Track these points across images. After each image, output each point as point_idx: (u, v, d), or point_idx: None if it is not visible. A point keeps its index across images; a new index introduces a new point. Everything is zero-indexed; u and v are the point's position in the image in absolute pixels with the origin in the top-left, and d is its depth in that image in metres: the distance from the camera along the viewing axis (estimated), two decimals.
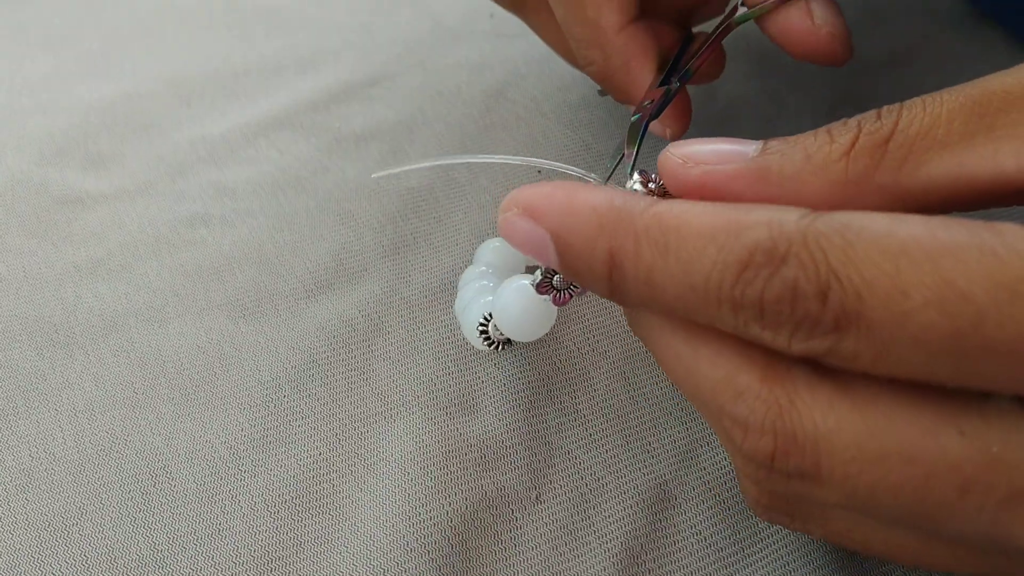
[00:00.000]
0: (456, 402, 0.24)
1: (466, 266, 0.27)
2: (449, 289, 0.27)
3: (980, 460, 0.14)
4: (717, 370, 0.16)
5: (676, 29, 0.26)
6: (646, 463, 0.23)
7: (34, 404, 0.24)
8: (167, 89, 0.33)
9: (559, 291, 0.21)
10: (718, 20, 0.25)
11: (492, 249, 0.25)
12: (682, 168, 0.17)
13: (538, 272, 0.20)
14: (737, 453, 0.16)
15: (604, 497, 0.22)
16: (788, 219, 0.15)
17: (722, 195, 0.17)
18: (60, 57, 0.35)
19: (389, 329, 0.26)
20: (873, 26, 0.34)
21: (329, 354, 0.25)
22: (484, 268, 0.24)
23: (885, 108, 0.17)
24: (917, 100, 0.16)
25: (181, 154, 0.31)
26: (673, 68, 0.25)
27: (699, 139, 0.18)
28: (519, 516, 0.22)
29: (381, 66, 0.33)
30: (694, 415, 0.24)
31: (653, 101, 0.24)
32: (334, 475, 0.23)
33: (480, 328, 0.22)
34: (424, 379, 0.25)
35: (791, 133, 0.30)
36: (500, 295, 0.22)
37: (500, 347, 0.23)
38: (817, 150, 0.17)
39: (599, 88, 0.28)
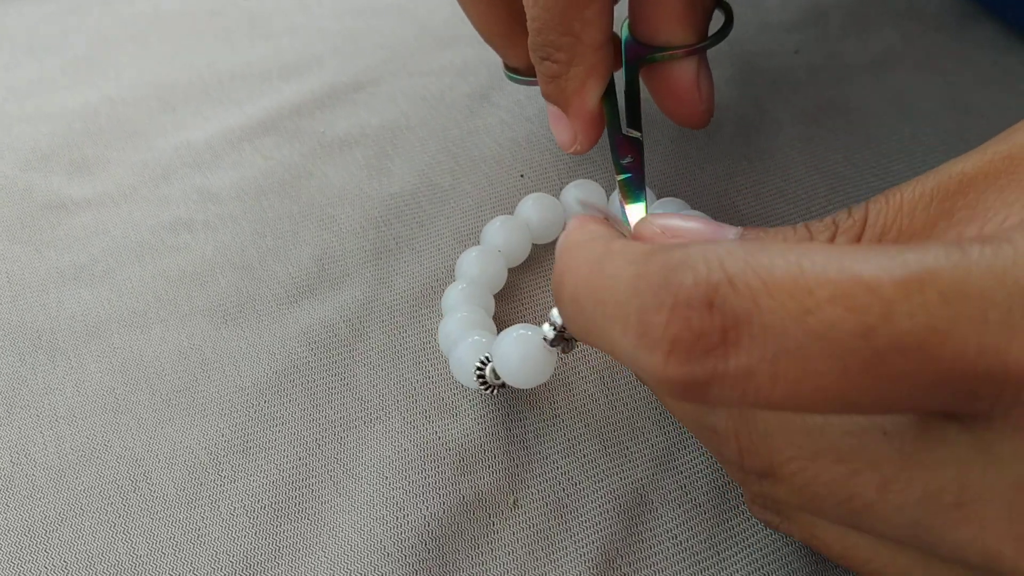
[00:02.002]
0: (436, 407, 0.24)
1: (448, 275, 0.27)
2: (431, 295, 0.27)
3: (899, 461, 0.14)
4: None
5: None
6: (623, 468, 0.23)
7: (15, 409, 0.24)
8: (152, 95, 0.33)
9: (568, 341, 0.20)
10: (625, 53, 0.26)
11: (471, 261, 0.25)
12: (660, 239, 0.17)
13: (547, 326, 0.20)
14: (719, 460, 0.17)
15: (581, 502, 0.22)
16: (697, 239, 0.15)
17: None
18: (45, 64, 0.35)
19: (370, 334, 0.26)
20: (856, 30, 0.35)
21: (310, 359, 0.25)
22: (463, 286, 0.25)
23: (853, 206, 0.17)
24: (880, 195, 0.16)
25: (165, 160, 0.31)
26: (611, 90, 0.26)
27: (680, 214, 0.18)
28: (496, 520, 0.22)
29: (365, 71, 0.33)
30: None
31: (633, 158, 0.25)
32: (313, 480, 0.23)
33: (477, 372, 0.22)
34: (404, 384, 0.25)
35: (774, 140, 0.30)
36: (501, 343, 0.22)
37: (495, 391, 0.23)
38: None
39: (508, 68, 0.28)
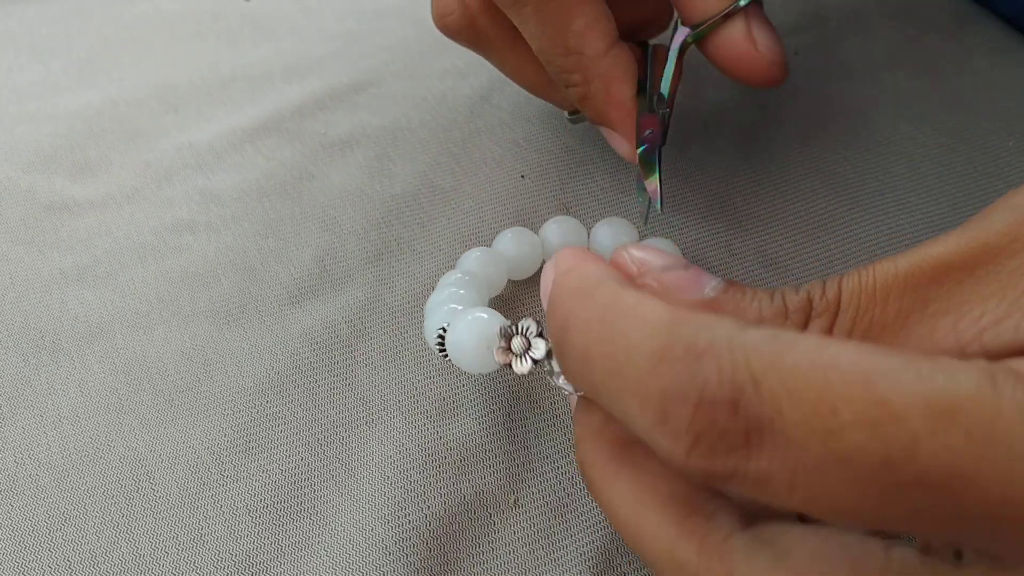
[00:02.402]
0: (437, 407, 0.24)
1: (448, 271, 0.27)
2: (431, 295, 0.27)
3: None
4: (659, 541, 0.15)
5: (635, 46, 0.27)
6: None
7: (19, 410, 0.25)
8: (154, 96, 0.33)
9: (518, 356, 0.20)
10: (674, 38, 0.25)
11: (474, 259, 0.26)
12: (635, 274, 0.17)
13: (499, 331, 0.20)
14: None
15: (582, 501, 0.22)
16: (723, 322, 0.14)
17: None
18: (48, 66, 0.35)
19: (372, 335, 0.26)
20: (855, 32, 0.35)
21: (312, 360, 0.25)
22: (460, 275, 0.25)
23: (828, 280, 0.16)
24: (853, 273, 0.16)
25: (167, 161, 0.31)
26: (643, 86, 0.25)
27: (660, 252, 0.17)
28: (497, 520, 0.22)
29: (367, 72, 0.34)
30: None
31: (653, 130, 0.25)
32: (315, 480, 0.23)
33: (438, 339, 0.22)
34: (406, 384, 0.25)
35: (775, 140, 0.31)
36: (457, 321, 0.21)
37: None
38: (770, 319, 0.16)
39: (570, 114, 0.29)
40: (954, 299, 0.15)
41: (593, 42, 0.23)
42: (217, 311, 0.27)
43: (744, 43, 0.23)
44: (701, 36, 0.24)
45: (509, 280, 0.26)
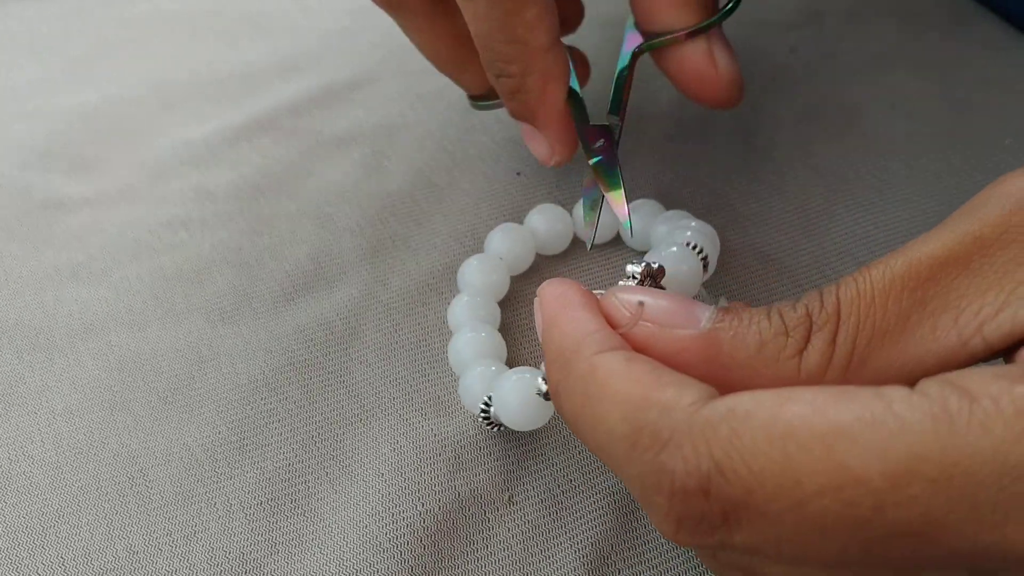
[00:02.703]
0: (432, 404, 0.24)
1: (445, 273, 0.27)
2: (428, 293, 0.27)
3: None
4: (622, 407, 0.15)
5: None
6: None
7: (13, 407, 0.25)
8: (151, 94, 0.33)
9: None
10: (625, 43, 0.25)
11: (472, 270, 0.26)
12: (627, 320, 0.17)
13: (541, 380, 0.20)
14: None
15: (576, 499, 0.22)
16: (681, 403, 0.14)
17: (669, 364, 0.16)
18: (46, 64, 0.35)
19: (366, 332, 0.26)
20: (853, 29, 0.35)
21: (307, 357, 0.25)
22: (468, 299, 0.25)
23: (825, 290, 0.16)
24: (850, 279, 0.16)
25: (163, 158, 0.31)
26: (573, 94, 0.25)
27: (648, 289, 0.17)
28: (491, 517, 0.22)
29: (363, 70, 0.34)
30: None
31: (604, 142, 0.24)
32: (309, 476, 0.23)
33: (483, 412, 0.22)
34: (400, 382, 0.25)
35: (770, 138, 0.30)
36: (501, 385, 0.22)
37: (499, 428, 0.23)
38: (772, 340, 0.16)
39: (473, 98, 0.28)
40: (952, 295, 0.15)
41: (540, 35, 0.23)
42: (211, 308, 0.27)
43: (705, 63, 0.24)
44: (656, 47, 0.24)
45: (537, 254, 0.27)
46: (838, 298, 0.16)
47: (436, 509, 0.22)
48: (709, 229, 0.25)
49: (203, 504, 0.23)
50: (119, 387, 0.25)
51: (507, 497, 0.22)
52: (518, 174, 0.30)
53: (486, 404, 0.22)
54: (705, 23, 0.23)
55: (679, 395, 0.14)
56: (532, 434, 0.24)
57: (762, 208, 0.29)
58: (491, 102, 0.27)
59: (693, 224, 0.25)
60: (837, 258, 0.27)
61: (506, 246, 0.26)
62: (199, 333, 0.26)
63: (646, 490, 0.14)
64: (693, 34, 0.23)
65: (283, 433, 0.24)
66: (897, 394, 0.13)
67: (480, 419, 0.22)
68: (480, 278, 0.25)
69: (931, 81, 0.33)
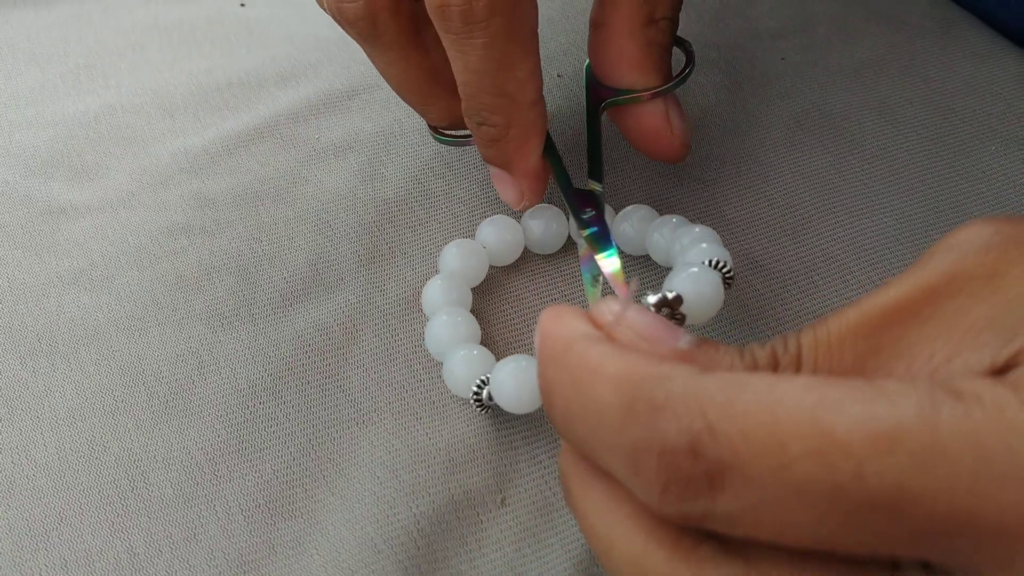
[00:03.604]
0: (426, 408, 0.25)
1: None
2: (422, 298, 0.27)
3: None
4: (628, 549, 0.16)
5: None
6: None
7: (16, 412, 0.25)
8: (151, 102, 0.34)
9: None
10: (590, 100, 0.26)
11: (453, 254, 0.27)
12: (610, 320, 0.17)
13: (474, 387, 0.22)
14: None
15: None
16: (678, 373, 0.15)
17: None
18: (46, 72, 0.35)
19: (363, 337, 0.26)
20: (841, 37, 0.35)
21: (304, 362, 0.26)
22: (441, 282, 0.26)
23: (788, 335, 0.17)
24: (809, 328, 0.17)
25: (163, 166, 0.31)
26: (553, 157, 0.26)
27: (635, 305, 0.18)
28: (485, 519, 0.23)
29: (360, 78, 0.34)
30: None
31: (592, 210, 0.25)
32: (307, 479, 0.24)
33: (475, 394, 0.23)
34: (396, 386, 0.25)
35: (762, 145, 0.31)
36: (499, 372, 0.22)
37: (488, 411, 0.23)
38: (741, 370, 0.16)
39: (436, 130, 0.28)
40: (904, 342, 0.15)
41: (529, 91, 0.23)
42: (211, 314, 0.27)
43: (662, 124, 0.25)
44: (620, 104, 0.25)
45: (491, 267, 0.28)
46: (799, 343, 0.16)
47: (430, 511, 0.23)
48: (715, 235, 0.26)
49: (203, 507, 0.23)
50: (120, 392, 0.25)
51: (500, 499, 0.23)
52: None
53: (478, 387, 0.23)
54: (666, 86, 0.25)
55: (675, 368, 0.15)
56: (524, 437, 0.24)
57: (750, 214, 0.29)
58: (454, 138, 0.28)
59: (696, 230, 0.26)
60: (824, 264, 0.28)
61: (494, 237, 0.27)
62: (199, 338, 0.26)
63: (636, 455, 0.14)
64: (654, 95, 0.25)
65: (281, 437, 0.24)
66: (888, 382, 0.14)
67: (472, 402, 0.23)
68: (458, 261, 0.26)
69: (918, 88, 0.33)
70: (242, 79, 0.35)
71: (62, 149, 0.32)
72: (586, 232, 0.25)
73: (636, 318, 0.17)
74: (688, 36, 0.35)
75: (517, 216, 0.28)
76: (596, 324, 0.17)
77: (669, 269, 0.27)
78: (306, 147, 0.32)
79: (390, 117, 0.33)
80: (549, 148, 0.26)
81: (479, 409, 0.23)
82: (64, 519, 0.23)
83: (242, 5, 0.38)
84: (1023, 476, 0.12)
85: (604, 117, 0.27)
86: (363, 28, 0.24)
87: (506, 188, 0.26)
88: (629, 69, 0.25)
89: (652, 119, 0.25)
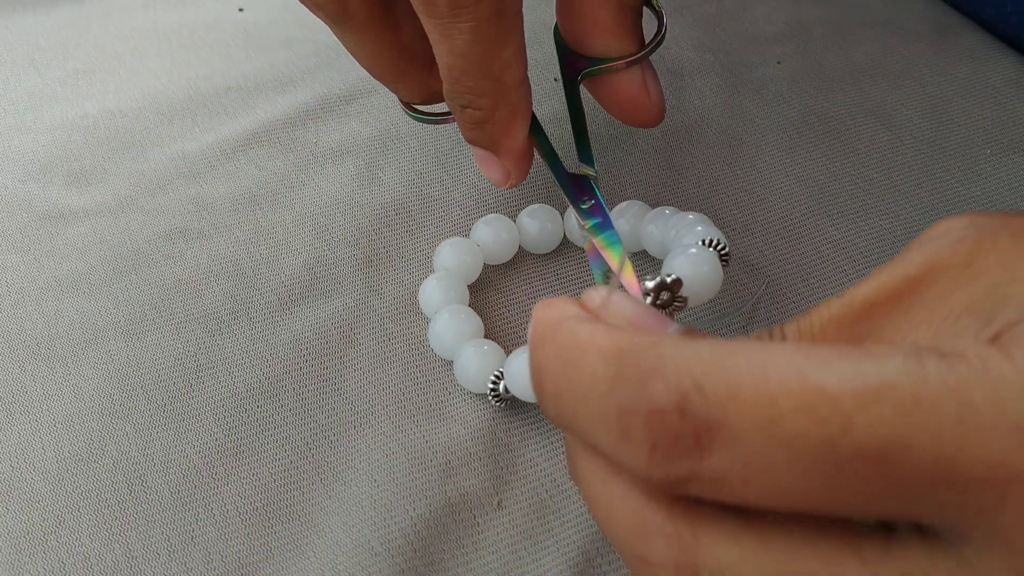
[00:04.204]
0: (423, 412, 0.25)
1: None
2: (419, 302, 0.27)
3: None
4: (628, 507, 0.16)
5: None
6: None
7: (15, 415, 0.25)
8: (149, 107, 0.34)
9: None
10: (566, 72, 0.25)
11: (448, 252, 0.27)
12: (599, 306, 0.17)
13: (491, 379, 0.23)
14: None
15: (563, 503, 0.23)
16: (668, 340, 0.15)
17: None
18: (45, 77, 0.36)
19: (360, 341, 0.26)
20: (837, 41, 0.35)
21: (302, 365, 0.26)
22: (438, 279, 0.26)
23: (773, 327, 0.17)
24: (793, 320, 0.17)
25: (161, 170, 0.32)
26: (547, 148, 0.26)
27: (623, 292, 0.18)
28: (481, 521, 0.23)
29: (357, 83, 0.34)
30: None
31: (592, 200, 0.25)
32: (304, 483, 0.24)
33: (492, 387, 0.24)
34: (393, 389, 0.25)
35: (757, 149, 0.31)
36: (514, 362, 0.23)
37: (505, 403, 0.24)
38: None
39: (409, 106, 0.27)
40: (886, 331, 0.16)
41: (515, 72, 0.23)
42: (209, 318, 0.27)
43: (639, 91, 0.25)
44: (596, 73, 0.25)
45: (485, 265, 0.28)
46: (784, 334, 0.16)
47: (427, 514, 0.23)
48: (708, 219, 0.26)
49: (200, 510, 0.23)
50: (119, 395, 0.25)
51: (496, 502, 0.23)
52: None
53: (494, 380, 0.23)
54: (642, 53, 0.25)
55: (665, 337, 0.15)
56: (520, 440, 0.24)
57: (746, 217, 0.29)
58: (429, 116, 0.27)
59: (690, 217, 0.26)
60: (820, 267, 0.28)
61: (491, 236, 0.27)
62: (197, 342, 0.27)
63: (624, 419, 0.14)
64: (630, 63, 0.25)
65: (279, 440, 0.24)
66: (875, 345, 0.14)
67: (489, 395, 0.24)
68: (453, 259, 0.27)
69: (913, 92, 0.33)
70: (240, 84, 0.35)
71: (60, 154, 0.32)
72: (589, 224, 0.24)
73: (625, 304, 0.17)
74: (685, 40, 0.35)
75: (512, 215, 0.29)
76: (586, 309, 0.17)
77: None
78: (304, 151, 0.32)
79: (387, 121, 0.33)
80: (535, 127, 0.25)
81: (496, 402, 0.24)
82: (62, 522, 0.23)
83: (240, 10, 0.39)
84: (1007, 426, 0.13)
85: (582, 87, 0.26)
86: (332, 11, 0.23)
87: (491, 169, 0.26)
88: (604, 36, 0.24)
89: (630, 87, 0.25)
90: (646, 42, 0.25)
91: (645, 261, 0.28)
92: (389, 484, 0.23)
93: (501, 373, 0.24)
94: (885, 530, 0.14)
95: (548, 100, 0.31)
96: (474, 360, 0.24)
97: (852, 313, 0.16)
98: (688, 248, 0.23)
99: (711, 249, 0.24)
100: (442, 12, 0.21)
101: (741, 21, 0.36)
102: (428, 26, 0.22)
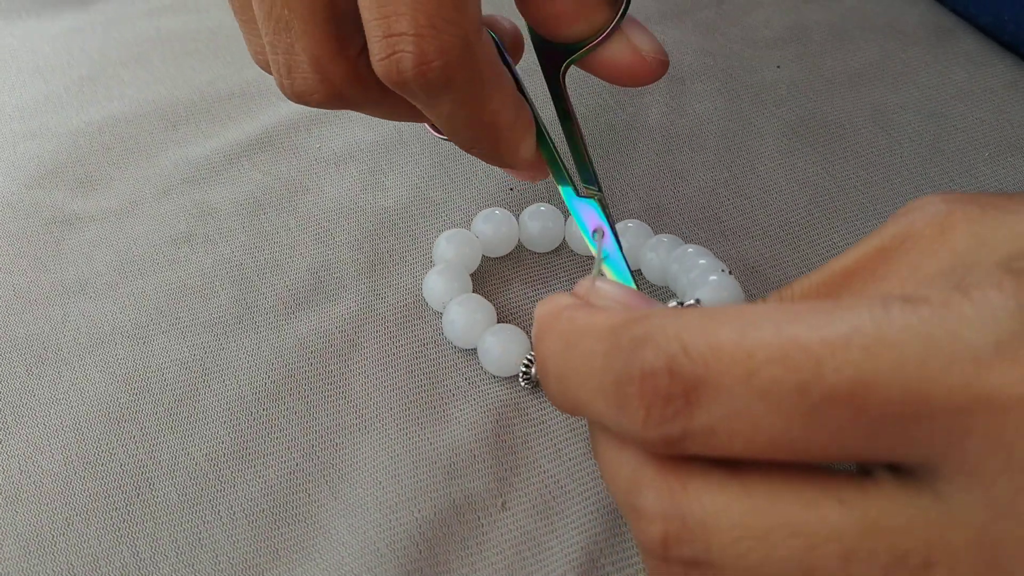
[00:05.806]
0: (428, 414, 0.25)
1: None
2: (424, 306, 0.28)
3: (860, 528, 0.14)
4: (627, 467, 0.16)
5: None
6: None
7: (23, 419, 0.25)
8: (153, 113, 0.34)
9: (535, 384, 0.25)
10: (545, 66, 0.25)
11: (445, 245, 0.28)
12: (589, 294, 0.19)
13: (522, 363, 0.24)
14: (640, 548, 0.16)
15: (566, 504, 0.23)
16: (659, 311, 0.16)
17: None
18: (50, 83, 0.36)
19: (364, 344, 0.27)
20: (836, 46, 0.36)
21: (307, 369, 0.26)
22: (440, 271, 0.27)
23: (759, 299, 0.18)
24: (776, 292, 0.18)
25: (166, 176, 0.32)
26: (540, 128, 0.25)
27: (606, 279, 0.19)
28: (485, 523, 0.23)
29: None
30: None
31: (599, 227, 0.25)
32: (310, 485, 0.24)
33: (524, 371, 0.25)
34: (397, 392, 0.26)
35: (757, 152, 0.31)
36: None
37: (536, 385, 0.25)
38: None
39: (436, 130, 0.27)
40: (864, 295, 0.16)
41: (507, 113, 0.23)
42: (214, 322, 0.27)
43: (631, 55, 0.23)
44: (579, 58, 0.24)
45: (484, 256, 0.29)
46: (765, 302, 0.17)
47: (432, 515, 0.23)
48: (706, 250, 0.27)
49: (207, 512, 0.23)
50: (125, 399, 0.26)
51: (500, 503, 0.23)
52: (511, 189, 0.31)
53: (527, 364, 0.25)
54: (616, 21, 0.23)
55: (657, 309, 0.16)
56: (524, 442, 0.24)
57: (747, 221, 0.30)
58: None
59: (702, 262, 0.26)
60: (817, 267, 0.28)
61: (490, 229, 0.28)
62: (203, 346, 0.27)
63: (620, 387, 0.15)
64: (609, 35, 0.23)
65: (284, 443, 0.25)
66: (846, 298, 0.15)
67: (520, 378, 0.25)
68: (453, 250, 0.28)
69: (912, 95, 0.34)
70: (244, 89, 0.35)
71: (66, 160, 0.32)
72: (604, 260, 0.25)
73: (612, 289, 0.18)
74: (685, 45, 0.36)
75: (514, 209, 0.29)
76: (580, 298, 0.18)
77: (663, 287, 0.28)
78: (307, 156, 0.32)
79: (390, 127, 0.33)
80: (541, 139, 0.25)
81: (527, 385, 0.25)
82: (70, 525, 0.23)
83: None
84: (966, 357, 0.13)
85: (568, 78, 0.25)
86: (333, 106, 0.23)
87: (514, 176, 0.28)
88: (574, 21, 0.23)
89: (622, 56, 0.23)
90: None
91: (640, 284, 0.28)
92: (394, 486, 0.23)
93: (532, 357, 0.24)
94: (863, 474, 0.15)
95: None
96: (499, 346, 0.25)
97: (831, 280, 0.17)
98: (710, 275, 0.25)
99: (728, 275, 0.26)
100: (422, 99, 0.21)
101: (740, 26, 0.37)
102: (413, 103, 0.22)
